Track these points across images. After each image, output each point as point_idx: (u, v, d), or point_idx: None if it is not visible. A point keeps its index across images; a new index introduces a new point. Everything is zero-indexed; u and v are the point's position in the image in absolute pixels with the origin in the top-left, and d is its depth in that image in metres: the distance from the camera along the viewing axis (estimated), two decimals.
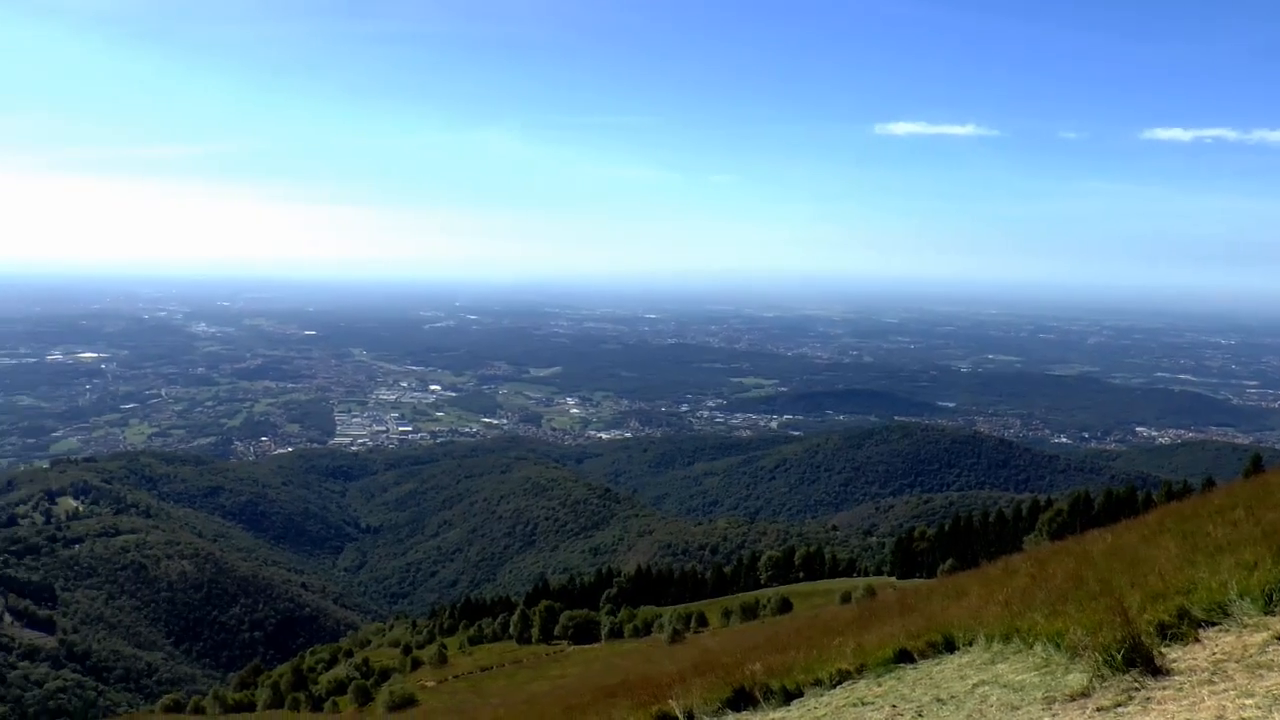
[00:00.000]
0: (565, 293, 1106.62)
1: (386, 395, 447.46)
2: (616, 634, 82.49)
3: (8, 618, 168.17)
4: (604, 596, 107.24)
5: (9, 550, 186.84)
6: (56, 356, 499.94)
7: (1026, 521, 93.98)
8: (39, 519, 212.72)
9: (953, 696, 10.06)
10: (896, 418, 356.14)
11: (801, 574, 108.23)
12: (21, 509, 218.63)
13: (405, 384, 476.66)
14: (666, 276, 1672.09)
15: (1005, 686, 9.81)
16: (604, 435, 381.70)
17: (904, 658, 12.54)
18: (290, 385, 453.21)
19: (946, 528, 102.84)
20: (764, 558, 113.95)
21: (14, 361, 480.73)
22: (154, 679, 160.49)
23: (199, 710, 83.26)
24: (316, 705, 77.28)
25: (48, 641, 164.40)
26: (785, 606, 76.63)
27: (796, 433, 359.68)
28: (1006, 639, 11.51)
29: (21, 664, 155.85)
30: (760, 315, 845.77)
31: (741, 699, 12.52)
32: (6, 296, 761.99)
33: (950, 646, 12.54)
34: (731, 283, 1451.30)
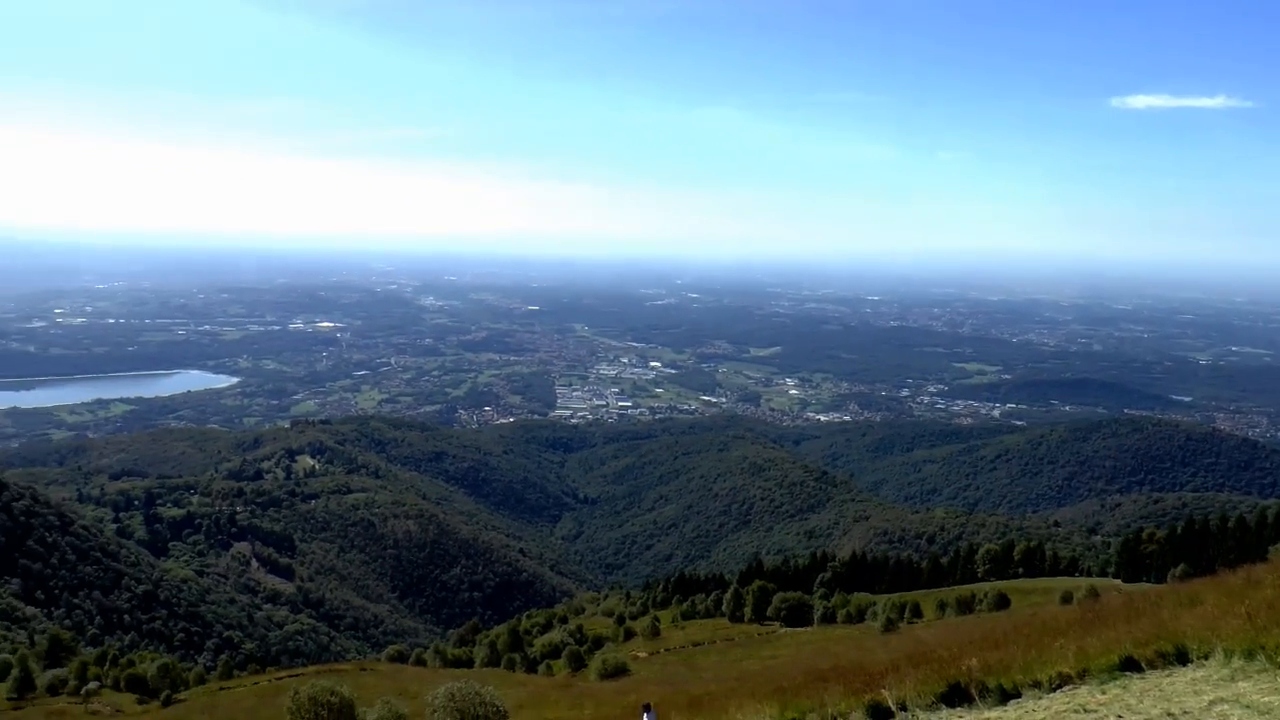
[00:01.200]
0: (786, 272, 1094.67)
1: (607, 370, 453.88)
2: (829, 619, 78.97)
3: (255, 564, 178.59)
4: (817, 580, 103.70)
5: (255, 502, 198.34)
6: (298, 325, 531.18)
7: (1273, 529, 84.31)
8: (280, 474, 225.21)
9: (1185, 713, 9.06)
10: (1126, 411, 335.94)
11: (1020, 570, 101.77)
12: (266, 464, 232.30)
13: (626, 360, 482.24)
14: (890, 256, 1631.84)
15: (1248, 708, 8.64)
16: (822, 417, 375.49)
17: (1130, 666, 11.99)
18: (513, 358, 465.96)
19: (1179, 530, 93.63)
20: (982, 551, 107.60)
21: (261, 329, 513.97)
22: (380, 630, 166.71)
23: (420, 663, 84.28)
24: (531, 667, 76.86)
25: (287, 587, 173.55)
26: (1002, 602, 71.73)
27: (1020, 422, 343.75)
28: (1249, 655, 10.51)
29: (265, 606, 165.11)
30: (985, 299, 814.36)
31: (956, 694, 12.43)
32: (257, 269, 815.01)
33: (1182, 658, 11.74)
34: (956, 264, 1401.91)
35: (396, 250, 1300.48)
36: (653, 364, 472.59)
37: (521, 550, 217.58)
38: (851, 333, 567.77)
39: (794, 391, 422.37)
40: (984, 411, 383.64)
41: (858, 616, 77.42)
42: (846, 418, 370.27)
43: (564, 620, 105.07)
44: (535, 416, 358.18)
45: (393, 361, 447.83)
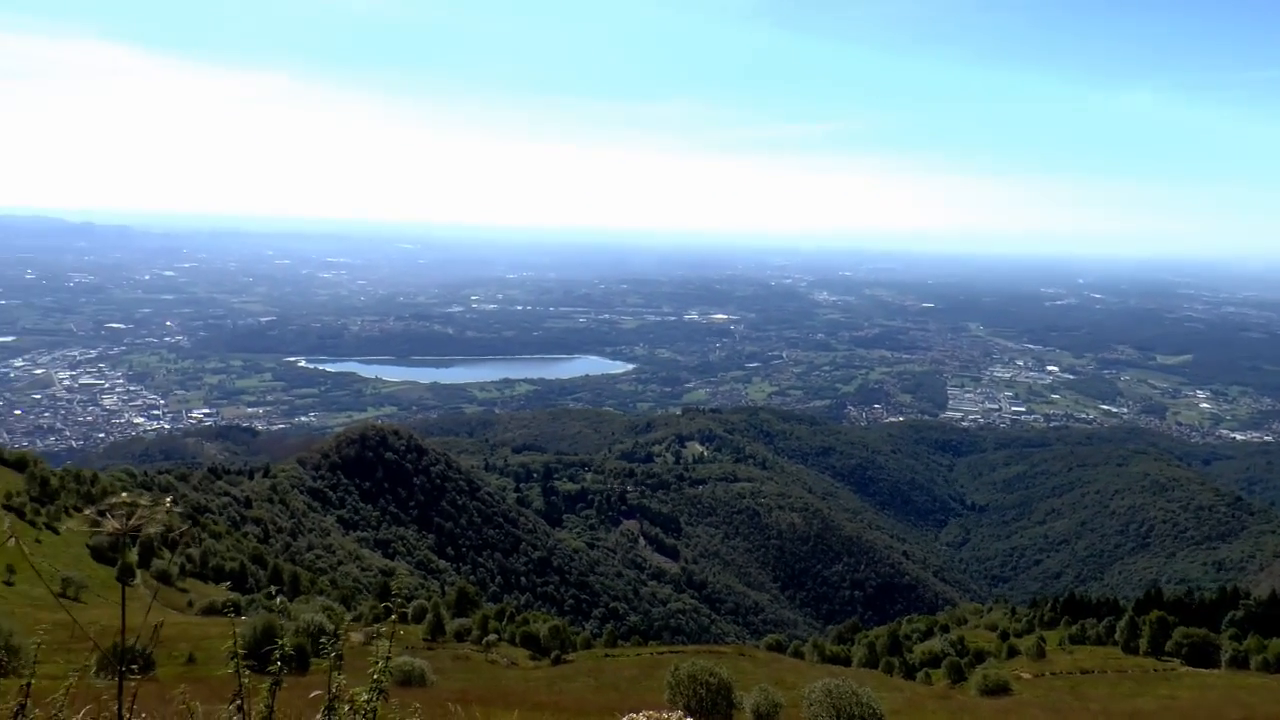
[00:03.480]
0: (1202, 272, 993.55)
1: (1001, 373, 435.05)
2: (1239, 663, 70.58)
3: (643, 541, 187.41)
4: (1226, 618, 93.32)
5: (645, 483, 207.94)
6: (693, 316, 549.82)
7: None
8: (670, 459, 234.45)
9: None
10: None
11: None
12: (657, 449, 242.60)
13: (1021, 362, 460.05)
14: None
15: None
16: (1238, 436, 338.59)
17: None
18: (905, 356, 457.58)
19: None
20: None
21: (658, 319, 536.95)
22: (759, 618, 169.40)
23: (798, 655, 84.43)
24: (909, 673, 74.89)
25: (672, 567, 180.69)
26: None
27: None
28: None
29: (650, 583, 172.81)
30: None
31: None
32: (655, 263, 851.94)
33: None
34: None
35: (792, 245, 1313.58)
36: (1049, 368, 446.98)
37: (905, 553, 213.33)
38: (1276, 341, 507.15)
39: (1205, 405, 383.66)
40: None
41: (1276, 665, 69.14)
42: (1268, 438, 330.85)
43: (945, 629, 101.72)
44: (925, 417, 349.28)
45: (784, 355, 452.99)
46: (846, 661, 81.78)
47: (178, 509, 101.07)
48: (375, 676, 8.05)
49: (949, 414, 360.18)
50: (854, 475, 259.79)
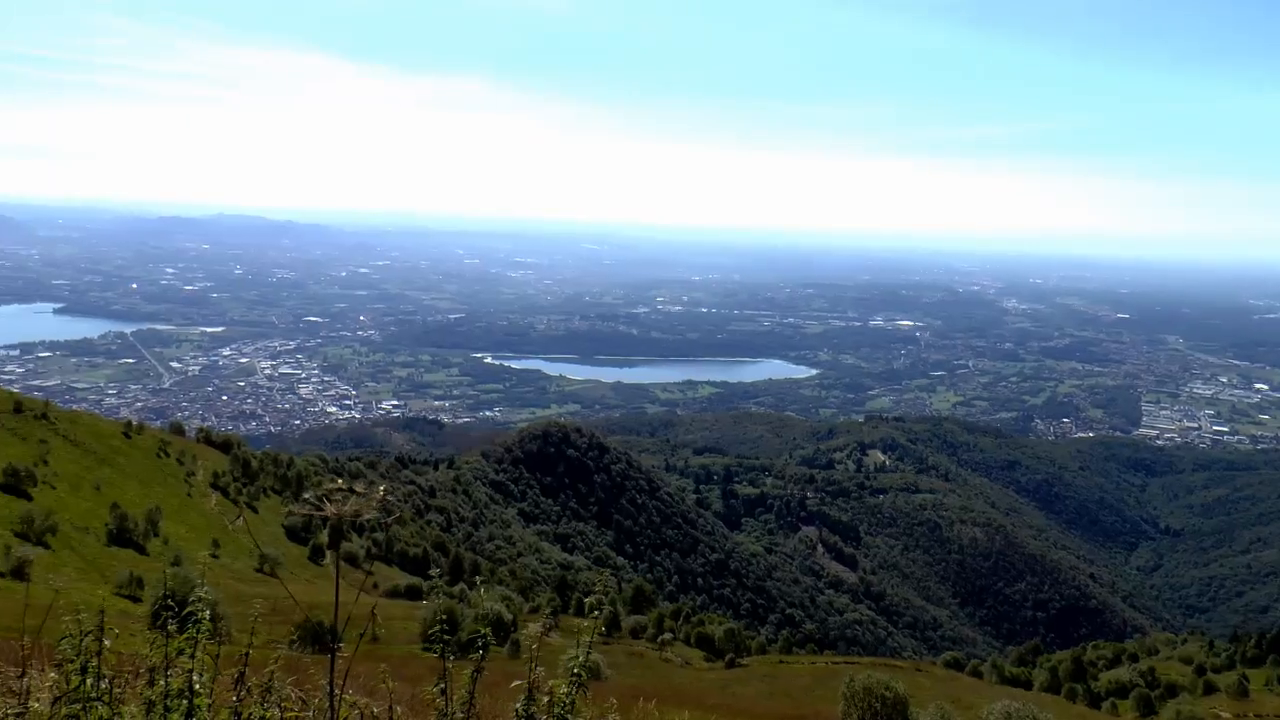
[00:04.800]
0: None
1: (1201, 390, 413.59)
2: None
3: (820, 549, 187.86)
4: None
5: (825, 490, 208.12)
6: (878, 322, 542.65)
7: None
8: (851, 466, 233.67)
9: None
10: None
11: None
12: (838, 456, 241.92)
13: (1224, 379, 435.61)
14: None
15: None
16: None
17: None
18: (1097, 368, 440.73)
19: None
20: None
21: (842, 324, 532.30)
22: (938, 633, 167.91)
23: (976, 674, 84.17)
24: (1093, 702, 73.81)
25: (850, 576, 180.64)
26: None
27: None
28: None
29: (828, 591, 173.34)
30: None
31: None
32: (840, 266, 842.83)
33: None
34: None
35: (979, 250, 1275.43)
36: (1258, 386, 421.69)
37: (1091, 575, 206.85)
38: None
39: None
40: None
41: None
42: None
43: (1134, 658, 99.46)
44: (1117, 433, 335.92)
45: (970, 364, 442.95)
46: (1027, 685, 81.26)
47: (391, 498, 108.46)
48: (575, 670, 8.34)
49: (1143, 431, 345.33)
50: (1039, 491, 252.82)
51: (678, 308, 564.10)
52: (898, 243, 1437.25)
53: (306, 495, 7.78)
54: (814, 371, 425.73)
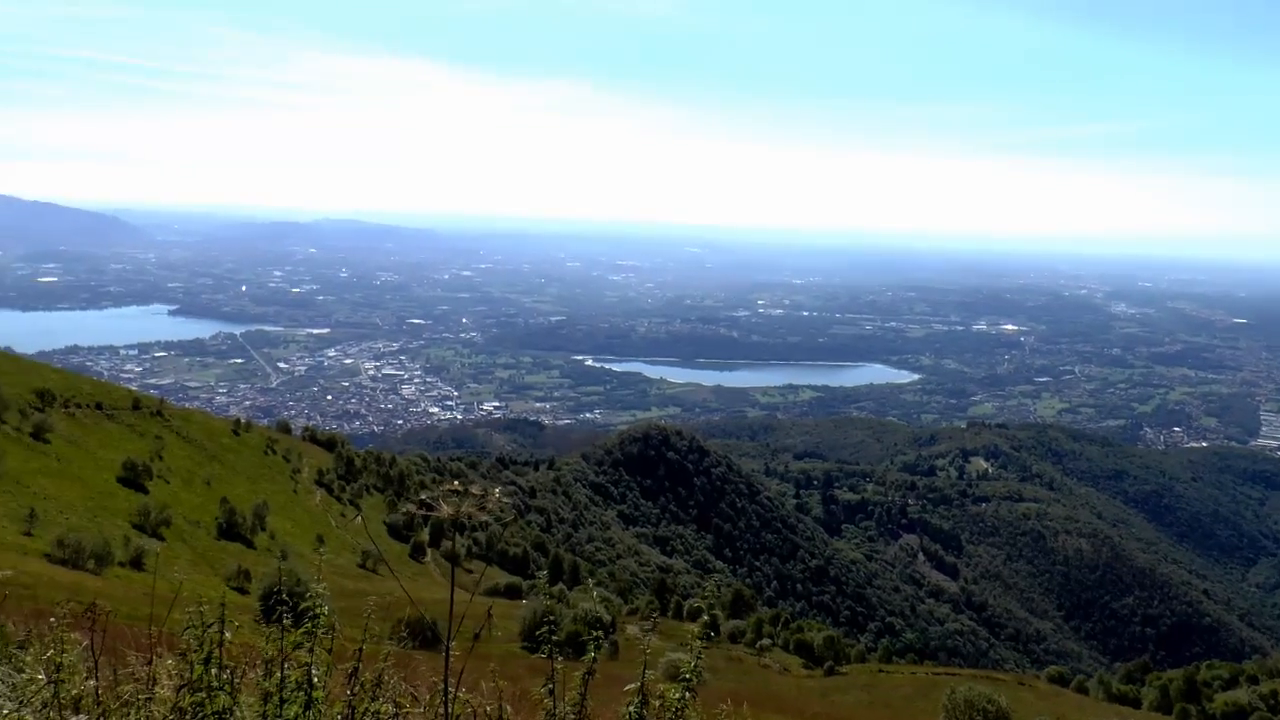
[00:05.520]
0: None
1: None
2: None
3: (921, 557, 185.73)
4: None
5: (927, 497, 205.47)
6: (981, 326, 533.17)
7: None
8: (953, 474, 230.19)
9: None
10: None
11: None
12: (940, 462, 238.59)
13: None
14: None
15: None
16: None
17: None
18: (1210, 375, 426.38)
19: None
20: None
21: (945, 328, 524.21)
22: (1041, 647, 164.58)
23: (1082, 690, 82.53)
24: None
25: (951, 586, 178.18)
26: None
27: None
28: None
29: (928, 600, 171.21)
30: None
31: None
32: (943, 269, 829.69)
33: None
34: None
35: (1083, 252, 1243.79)
36: None
37: (1205, 591, 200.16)
38: None
39: None
40: None
41: None
42: None
43: (1253, 680, 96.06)
44: (1232, 443, 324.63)
45: (1076, 370, 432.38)
46: (1136, 703, 79.43)
47: (506, 500, 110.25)
48: (687, 675, 8.22)
49: (1262, 442, 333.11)
50: (1148, 502, 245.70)
51: (779, 311, 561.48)
52: (997, 245, 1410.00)
53: (422, 495, 8.19)
54: (916, 376, 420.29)
